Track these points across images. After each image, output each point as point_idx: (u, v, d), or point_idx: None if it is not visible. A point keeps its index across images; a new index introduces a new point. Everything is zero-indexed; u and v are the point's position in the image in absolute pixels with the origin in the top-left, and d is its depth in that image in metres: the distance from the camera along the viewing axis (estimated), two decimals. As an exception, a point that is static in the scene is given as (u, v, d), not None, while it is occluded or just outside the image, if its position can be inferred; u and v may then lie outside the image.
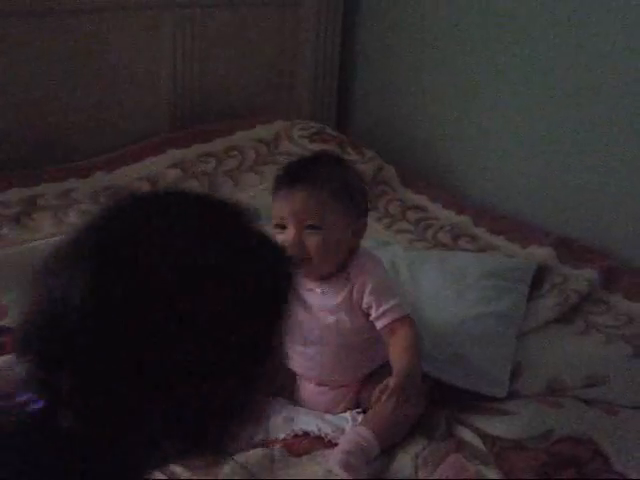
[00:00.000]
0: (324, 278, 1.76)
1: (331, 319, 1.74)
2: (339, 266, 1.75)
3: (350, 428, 1.68)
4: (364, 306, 1.73)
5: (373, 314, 1.71)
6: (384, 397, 1.57)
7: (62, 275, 0.89)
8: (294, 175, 1.76)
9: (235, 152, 2.85)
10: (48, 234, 2.34)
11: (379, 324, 1.71)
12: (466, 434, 1.69)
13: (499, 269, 2.21)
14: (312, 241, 1.70)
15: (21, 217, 2.40)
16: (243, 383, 0.92)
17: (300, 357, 1.79)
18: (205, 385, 0.87)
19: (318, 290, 1.76)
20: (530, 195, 2.74)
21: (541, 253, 2.38)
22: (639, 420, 1.75)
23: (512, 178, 2.80)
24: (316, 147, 2.86)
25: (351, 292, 1.73)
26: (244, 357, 0.91)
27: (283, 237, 1.70)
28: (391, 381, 1.58)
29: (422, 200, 2.72)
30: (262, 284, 0.93)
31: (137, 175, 2.69)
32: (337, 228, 1.71)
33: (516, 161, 2.78)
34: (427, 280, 2.09)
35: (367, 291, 1.71)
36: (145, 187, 2.62)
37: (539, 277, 2.26)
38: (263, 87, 3.15)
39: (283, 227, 1.72)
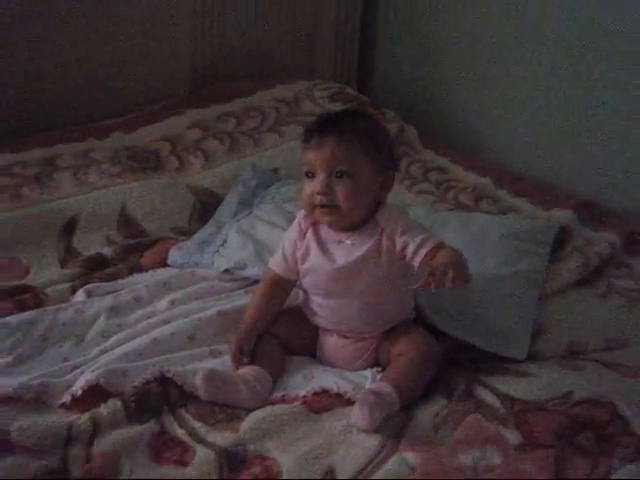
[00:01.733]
0: (352, 229, 1.77)
1: (357, 269, 1.75)
2: (367, 217, 1.77)
3: (370, 385, 1.69)
4: (398, 248, 1.73)
5: (410, 251, 1.72)
6: (450, 271, 1.59)
7: None
8: (324, 125, 1.78)
9: (256, 112, 2.85)
10: (67, 194, 2.35)
11: (418, 257, 1.71)
12: (485, 395, 1.68)
13: (521, 231, 2.20)
14: (341, 188, 1.72)
15: (41, 177, 2.41)
16: None
17: (325, 310, 1.81)
18: None
19: (347, 242, 1.77)
20: (552, 158, 2.72)
21: (563, 215, 2.37)
22: (659, 383, 1.74)
23: (534, 141, 2.78)
24: (337, 107, 2.85)
25: (379, 240, 1.75)
26: None
27: (312, 185, 1.73)
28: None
29: (444, 162, 2.71)
30: None
31: (156, 135, 2.69)
32: (366, 176, 1.74)
33: (538, 124, 2.77)
34: (449, 241, 2.07)
35: (398, 233, 1.73)
36: (165, 147, 2.63)
37: (561, 239, 2.25)
38: (284, 48, 3.14)
39: (313, 176, 1.74)
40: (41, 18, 2.60)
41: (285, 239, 1.87)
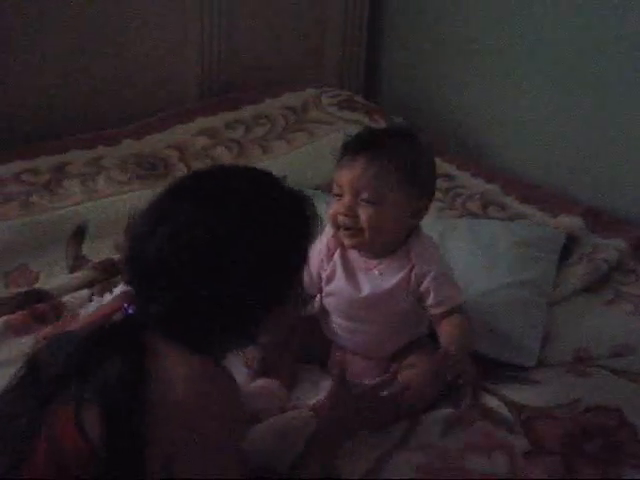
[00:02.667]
0: (381, 255, 1.73)
1: (383, 300, 1.73)
2: (396, 245, 1.72)
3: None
4: (421, 290, 1.71)
5: (429, 301, 1.71)
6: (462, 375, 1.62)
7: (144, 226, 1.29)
8: (359, 144, 1.70)
9: (264, 120, 2.85)
10: (77, 201, 2.35)
11: (433, 310, 1.71)
12: (493, 402, 1.69)
13: (529, 238, 2.20)
14: (365, 213, 1.66)
15: (50, 184, 2.42)
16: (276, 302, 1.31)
17: (341, 330, 1.79)
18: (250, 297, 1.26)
19: (376, 272, 1.73)
20: (560, 165, 2.72)
21: (570, 222, 2.37)
22: (667, 390, 1.75)
23: (542, 148, 2.78)
24: (345, 115, 2.86)
25: (409, 274, 1.71)
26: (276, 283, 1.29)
27: (337, 206, 1.68)
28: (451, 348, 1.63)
29: (451, 169, 2.71)
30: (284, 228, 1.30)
31: (165, 143, 2.70)
32: (394, 205, 1.66)
33: (546, 131, 2.76)
34: (457, 249, 2.08)
35: (428, 278, 1.69)
36: (173, 155, 2.64)
37: (569, 246, 2.25)
38: (291, 55, 3.14)
39: (341, 196, 1.69)
40: (50, 26, 2.61)
41: (312, 254, 1.73)
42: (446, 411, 1.67)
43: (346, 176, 1.67)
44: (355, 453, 1.54)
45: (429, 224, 2.16)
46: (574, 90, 2.63)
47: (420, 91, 3.15)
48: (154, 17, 2.81)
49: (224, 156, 2.66)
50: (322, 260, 1.78)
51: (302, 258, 1.36)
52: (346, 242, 1.71)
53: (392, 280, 1.71)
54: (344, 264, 1.76)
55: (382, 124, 2.79)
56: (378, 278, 1.72)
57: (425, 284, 1.70)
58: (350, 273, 1.75)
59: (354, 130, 1.90)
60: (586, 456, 1.56)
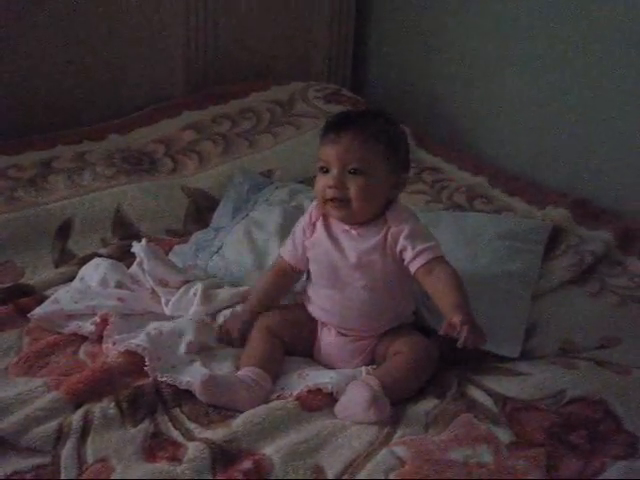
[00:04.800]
0: (363, 223, 1.79)
1: (363, 261, 1.77)
2: (376, 215, 1.79)
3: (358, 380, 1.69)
4: (398, 249, 1.75)
5: (407, 256, 1.74)
6: (464, 332, 1.61)
7: None
8: (343, 121, 1.81)
9: (250, 113, 2.85)
10: (63, 196, 2.35)
11: (414, 265, 1.74)
12: (478, 394, 1.69)
13: (514, 230, 2.20)
14: (354, 184, 1.74)
15: (36, 179, 2.42)
16: None
17: (328, 301, 1.82)
18: None
19: (354, 232, 1.79)
20: (546, 157, 2.72)
21: (557, 214, 2.37)
22: (651, 381, 1.75)
23: (528, 140, 2.78)
24: (331, 108, 2.86)
25: (386, 236, 1.77)
26: None
27: (325, 179, 1.76)
28: (455, 317, 1.63)
29: (438, 161, 2.72)
30: None
31: (152, 137, 2.70)
32: (379, 175, 1.76)
33: (532, 123, 2.76)
34: (442, 241, 2.06)
35: (403, 235, 1.75)
36: (159, 149, 2.64)
37: (555, 238, 2.26)
38: (278, 49, 3.14)
39: (327, 171, 1.77)
40: (38, 22, 2.61)
41: (296, 227, 1.89)
42: (431, 402, 1.67)
43: (334, 150, 1.76)
44: (340, 445, 1.54)
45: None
46: (562, 82, 2.64)
47: (407, 84, 3.15)
48: (140, 12, 2.80)
49: (210, 150, 2.66)
50: (304, 230, 1.85)
51: None
52: (334, 214, 1.79)
53: (370, 241, 1.77)
54: (326, 229, 1.82)
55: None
56: (358, 239, 1.78)
57: (401, 241, 1.75)
58: (332, 237, 1.81)
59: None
60: (570, 447, 1.55)
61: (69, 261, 2.15)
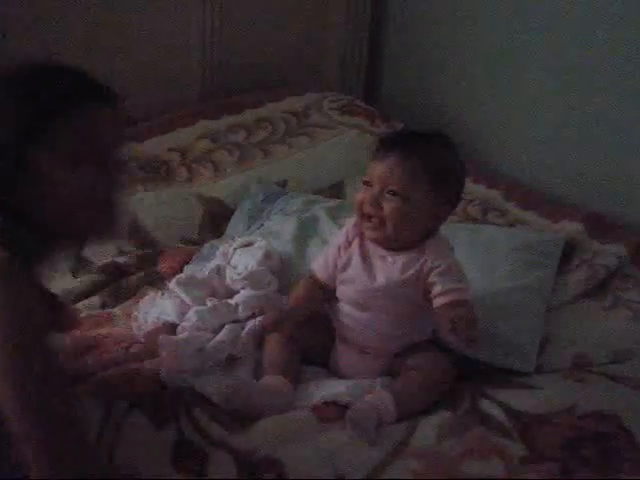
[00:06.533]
0: (398, 250, 1.77)
1: (393, 290, 1.75)
2: (414, 243, 1.76)
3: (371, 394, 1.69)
4: (428, 281, 1.73)
5: (435, 291, 1.71)
6: (460, 328, 1.61)
7: None
8: (396, 140, 1.80)
9: (265, 123, 2.86)
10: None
11: (437, 302, 1.71)
12: (490, 408, 1.69)
13: (529, 243, 2.20)
14: (389, 205, 1.72)
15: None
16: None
17: (352, 320, 1.81)
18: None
19: (390, 259, 1.77)
20: (560, 171, 2.72)
21: (571, 228, 2.37)
22: (664, 396, 1.75)
23: (543, 154, 2.78)
24: (346, 119, 2.87)
25: (422, 267, 1.74)
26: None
27: (364, 194, 1.75)
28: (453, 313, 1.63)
29: (452, 174, 2.71)
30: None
31: (167, 146, 2.71)
32: (419, 203, 1.72)
33: (547, 137, 2.76)
34: (457, 254, 2.08)
35: (436, 271, 1.72)
36: (174, 158, 2.65)
37: (568, 252, 2.26)
38: (292, 59, 3.14)
39: (371, 186, 1.75)
40: (50, 27, 2.62)
41: (330, 245, 1.88)
42: (443, 415, 1.67)
43: (378, 168, 1.74)
44: (353, 458, 1.55)
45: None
46: (576, 94, 2.63)
47: (421, 97, 3.16)
48: (156, 20, 2.81)
49: (225, 159, 2.67)
50: (339, 248, 1.83)
51: None
52: (367, 234, 1.78)
53: (406, 271, 1.75)
54: (361, 252, 1.80)
55: (383, 128, 2.80)
56: (393, 268, 1.76)
57: (433, 275, 1.72)
58: (366, 261, 1.79)
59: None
60: (583, 462, 1.55)
61: (85, 268, 2.16)
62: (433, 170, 1.73)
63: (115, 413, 1.60)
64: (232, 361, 1.81)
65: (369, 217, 1.74)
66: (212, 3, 2.90)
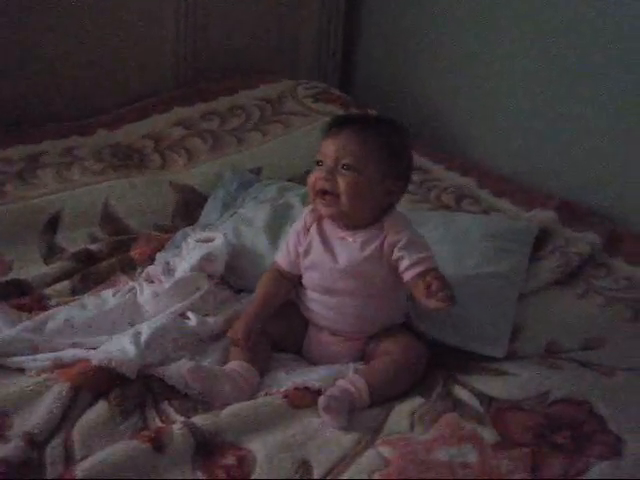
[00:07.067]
0: (356, 228, 1.78)
1: (355, 269, 1.76)
2: (371, 220, 1.78)
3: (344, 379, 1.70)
4: (393, 258, 1.74)
5: (402, 266, 1.73)
6: (436, 287, 1.63)
7: None
8: (347, 119, 1.84)
9: (239, 111, 2.85)
10: (50, 191, 2.35)
11: (407, 275, 1.72)
12: (463, 394, 1.69)
13: (501, 231, 2.21)
14: (343, 179, 1.73)
15: (24, 174, 2.41)
16: None
17: (321, 306, 1.81)
18: None
19: (350, 239, 1.78)
20: (533, 159, 2.73)
21: (544, 216, 2.38)
22: (635, 382, 1.76)
23: (517, 141, 2.79)
24: (320, 107, 2.86)
25: (382, 245, 1.75)
26: None
27: (318, 172, 1.76)
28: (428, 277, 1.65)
29: (425, 162, 2.71)
30: None
31: (140, 133, 2.70)
32: (372, 176, 1.74)
33: (521, 125, 2.77)
34: (429, 241, 2.09)
35: (399, 245, 1.73)
36: (148, 145, 2.64)
37: (541, 239, 2.27)
38: (266, 47, 3.14)
39: (322, 165, 1.77)
40: (29, 19, 2.60)
41: (290, 233, 1.88)
42: (417, 401, 1.68)
43: (330, 145, 1.76)
44: (323, 445, 1.55)
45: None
46: (551, 82, 2.64)
47: (396, 83, 3.16)
48: (130, 9, 2.80)
49: (199, 147, 2.66)
50: (298, 235, 1.84)
51: None
52: (323, 211, 1.78)
53: (366, 249, 1.76)
54: (320, 235, 1.81)
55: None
56: (353, 247, 1.77)
57: (397, 251, 1.74)
58: (326, 244, 1.80)
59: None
60: (554, 447, 1.56)
61: (57, 255, 2.15)
62: (385, 144, 1.76)
63: (80, 404, 1.60)
64: (202, 350, 1.81)
65: (323, 194, 1.75)
66: (186, -10, 2.88)
